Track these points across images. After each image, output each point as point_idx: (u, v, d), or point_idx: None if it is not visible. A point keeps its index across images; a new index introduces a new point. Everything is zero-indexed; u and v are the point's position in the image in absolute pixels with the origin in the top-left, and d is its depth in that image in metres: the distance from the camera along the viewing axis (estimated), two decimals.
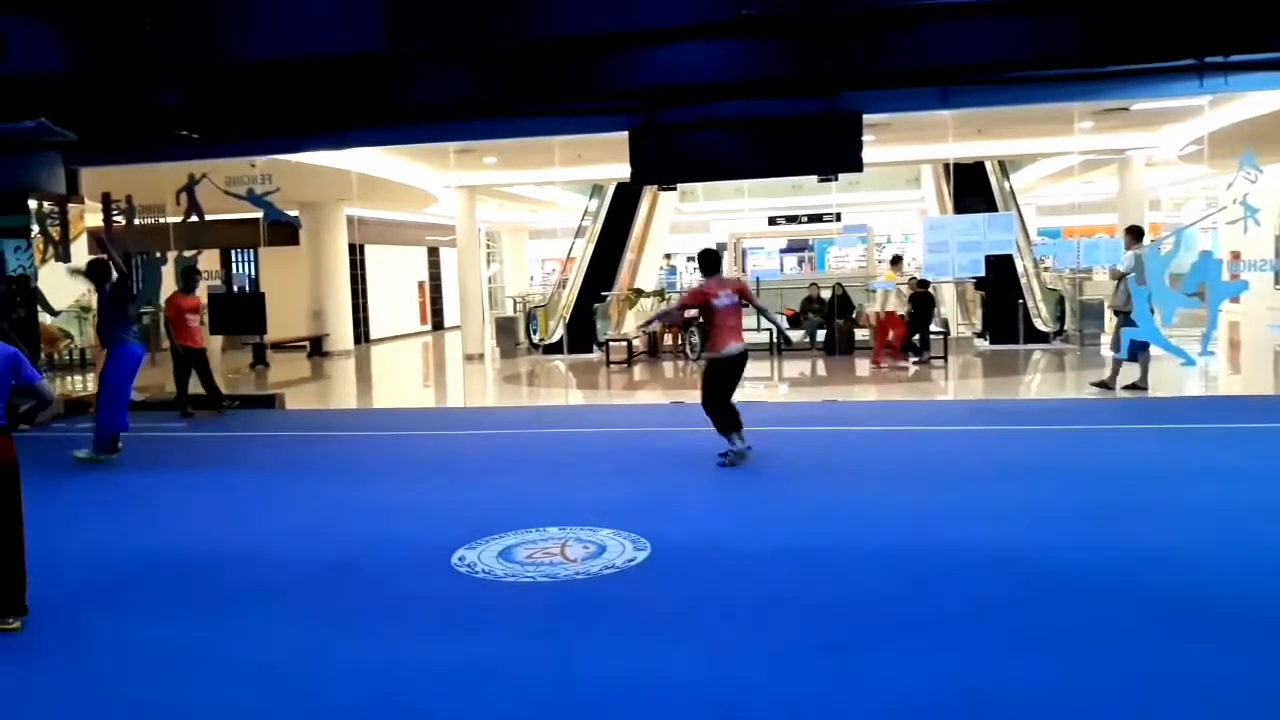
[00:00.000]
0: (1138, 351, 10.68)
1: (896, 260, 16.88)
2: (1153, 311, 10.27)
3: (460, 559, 5.40)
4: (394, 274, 25.19)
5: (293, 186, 13.10)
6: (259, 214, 12.20)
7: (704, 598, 4.77)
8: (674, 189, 15.92)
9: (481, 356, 18.36)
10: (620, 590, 4.89)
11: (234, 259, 21.68)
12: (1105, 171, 19.30)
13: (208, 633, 4.48)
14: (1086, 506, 6.16)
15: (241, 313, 14.46)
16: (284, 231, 13.53)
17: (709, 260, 8.15)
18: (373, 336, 23.31)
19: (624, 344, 16.65)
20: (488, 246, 27.79)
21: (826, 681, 3.80)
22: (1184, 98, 11.04)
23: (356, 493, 7.26)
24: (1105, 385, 11.08)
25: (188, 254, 12.10)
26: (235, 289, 20.87)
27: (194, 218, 12.18)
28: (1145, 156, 17.16)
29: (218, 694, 3.86)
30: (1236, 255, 16.09)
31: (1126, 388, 10.89)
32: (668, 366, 16.34)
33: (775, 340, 16.81)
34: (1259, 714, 3.46)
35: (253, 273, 22.24)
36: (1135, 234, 11.13)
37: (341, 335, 20.03)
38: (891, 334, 15.14)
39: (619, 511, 6.25)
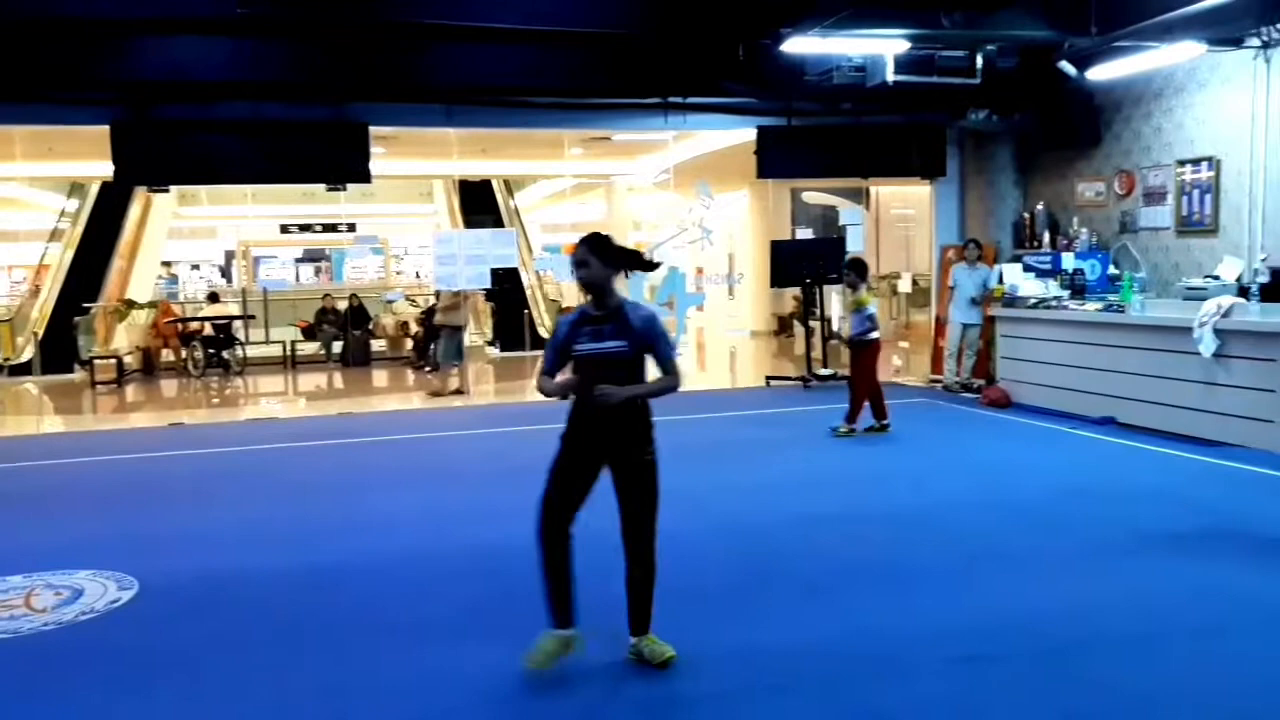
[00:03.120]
0: None
1: None
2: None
3: None
4: None
5: None
6: None
7: (195, 635, 4.47)
8: (167, 191, 14.70)
9: None
10: (94, 637, 4.45)
11: None
12: (595, 194, 21.34)
13: None
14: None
15: None
16: None
17: None
18: None
19: (114, 361, 15.03)
20: None
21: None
22: (653, 131, 12.60)
23: None
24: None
25: None
26: None
27: None
28: (627, 182, 19.28)
29: None
30: (700, 271, 18.68)
31: None
32: (167, 385, 15.05)
33: (289, 353, 16.29)
34: None
35: None
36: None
37: None
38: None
39: (103, 549, 5.68)
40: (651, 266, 4.28)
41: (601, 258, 3.89)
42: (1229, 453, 7.49)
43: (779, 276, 12.71)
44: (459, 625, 4.49)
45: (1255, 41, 8.94)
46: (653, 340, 3.91)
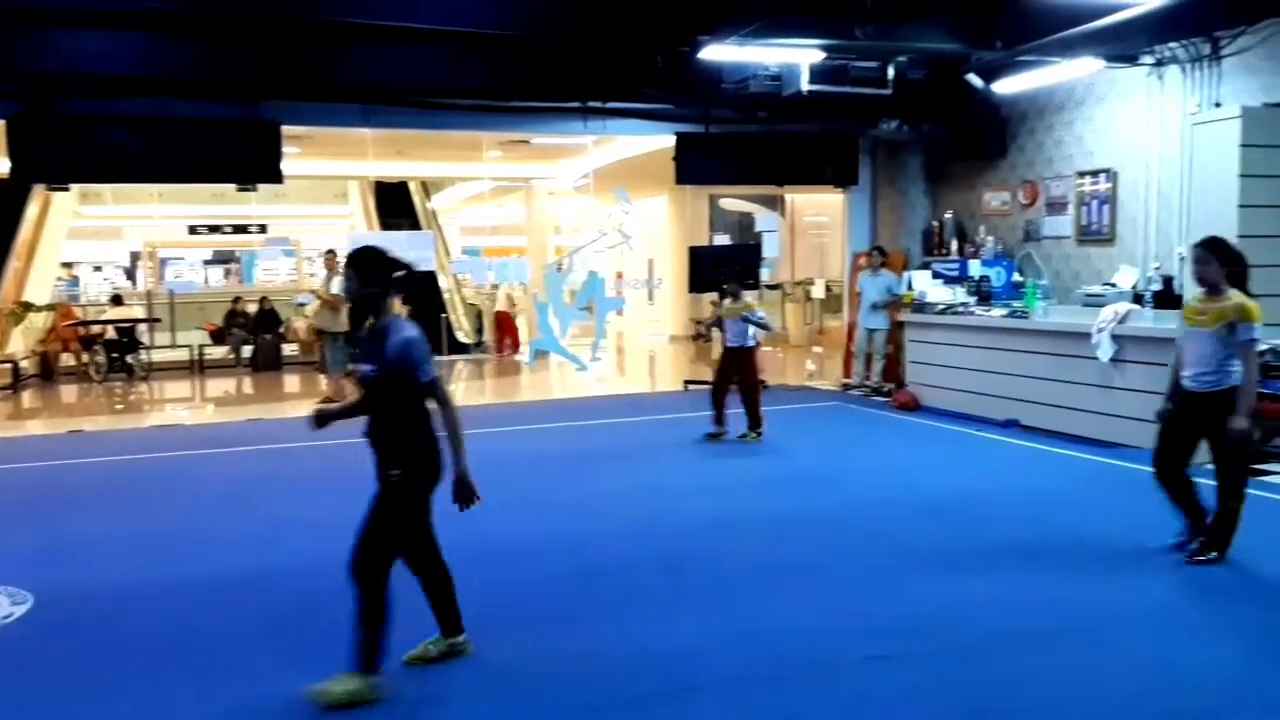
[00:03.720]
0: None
1: None
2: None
3: None
4: None
5: None
6: None
7: (91, 648, 4.35)
8: (68, 189, 14.16)
9: None
10: None
11: None
12: (515, 197, 21.23)
13: None
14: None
15: None
16: None
17: None
18: None
19: (9, 366, 14.42)
20: None
21: None
22: (573, 135, 12.60)
23: None
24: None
25: None
26: None
27: None
28: (547, 186, 19.23)
29: None
30: (620, 275, 18.73)
31: None
32: (67, 391, 14.49)
33: (196, 358, 15.85)
34: None
35: None
36: None
37: None
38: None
39: None
40: (411, 284, 3.88)
41: (361, 274, 3.70)
42: (1124, 454, 7.79)
43: (697, 282, 12.81)
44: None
45: (1149, 59, 9.34)
46: (404, 366, 3.63)
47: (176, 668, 4.09)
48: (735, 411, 8.90)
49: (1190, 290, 8.19)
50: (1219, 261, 5.00)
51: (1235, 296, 4.96)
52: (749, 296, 9.21)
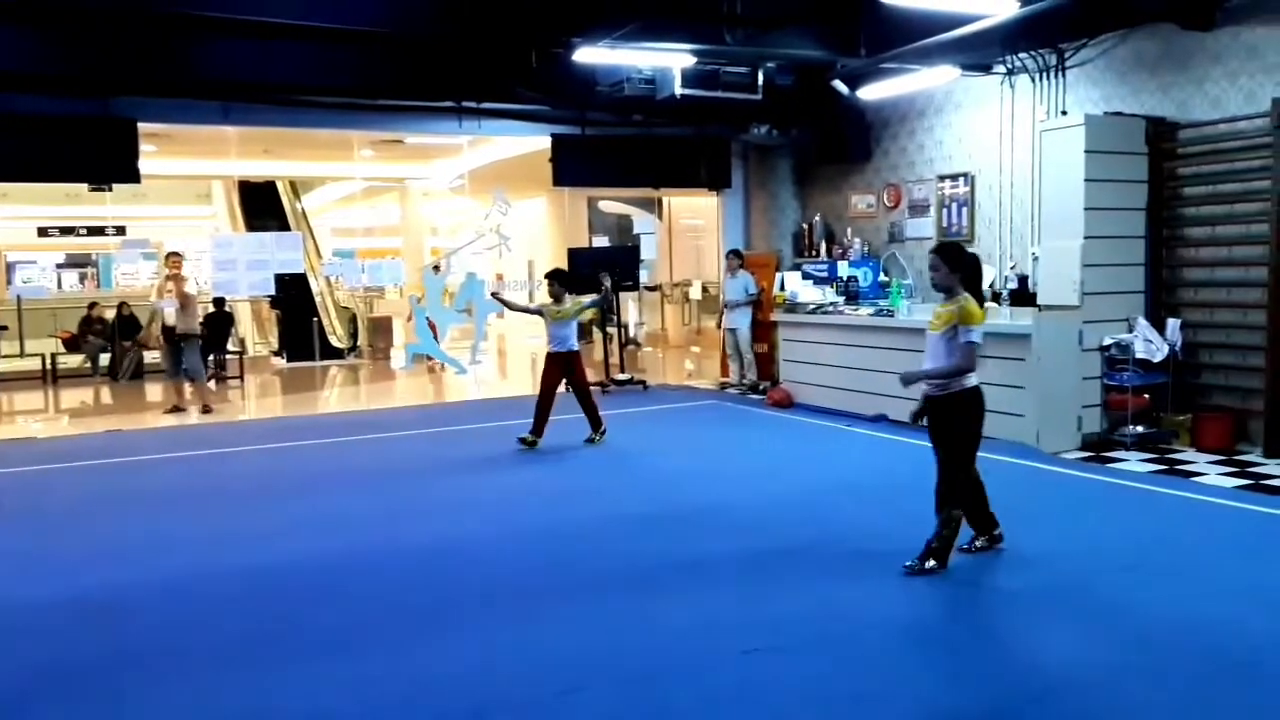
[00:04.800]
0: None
1: None
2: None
3: None
4: None
5: None
6: None
7: None
8: None
9: None
10: None
11: None
12: (389, 198, 20.82)
13: None
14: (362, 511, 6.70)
15: None
16: None
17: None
18: None
19: None
20: None
21: None
22: (448, 135, 12.45)
23: None
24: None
25: None
26: None
27: None
28: (421, 186, 18.92)
29: None
30: (500, 276, 18.58)
31: None
32: None
33: (48, 367, 15.01)
34: None
35: None
36: None
37: None
38: None
39: None
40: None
41: None
42: (986, 445, 8.14)
43: (577, 284, 12.78)
44: (225, 655, 4.27)
45: (1001, 68, 9.82)
46: None
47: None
48: (577, 417, 8.90)
49: (1042, 290, 8.67)
50: (949, 268, 4.99)
51: (961, 300, 4.96)
52: (583, 298, 9.12)
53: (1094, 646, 4.06)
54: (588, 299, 9.27)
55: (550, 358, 8.80)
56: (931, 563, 4.99)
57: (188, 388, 11.93)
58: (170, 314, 11.05)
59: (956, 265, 5.01)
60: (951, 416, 5.08)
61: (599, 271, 12.47)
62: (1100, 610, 4.46)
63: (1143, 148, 8.37)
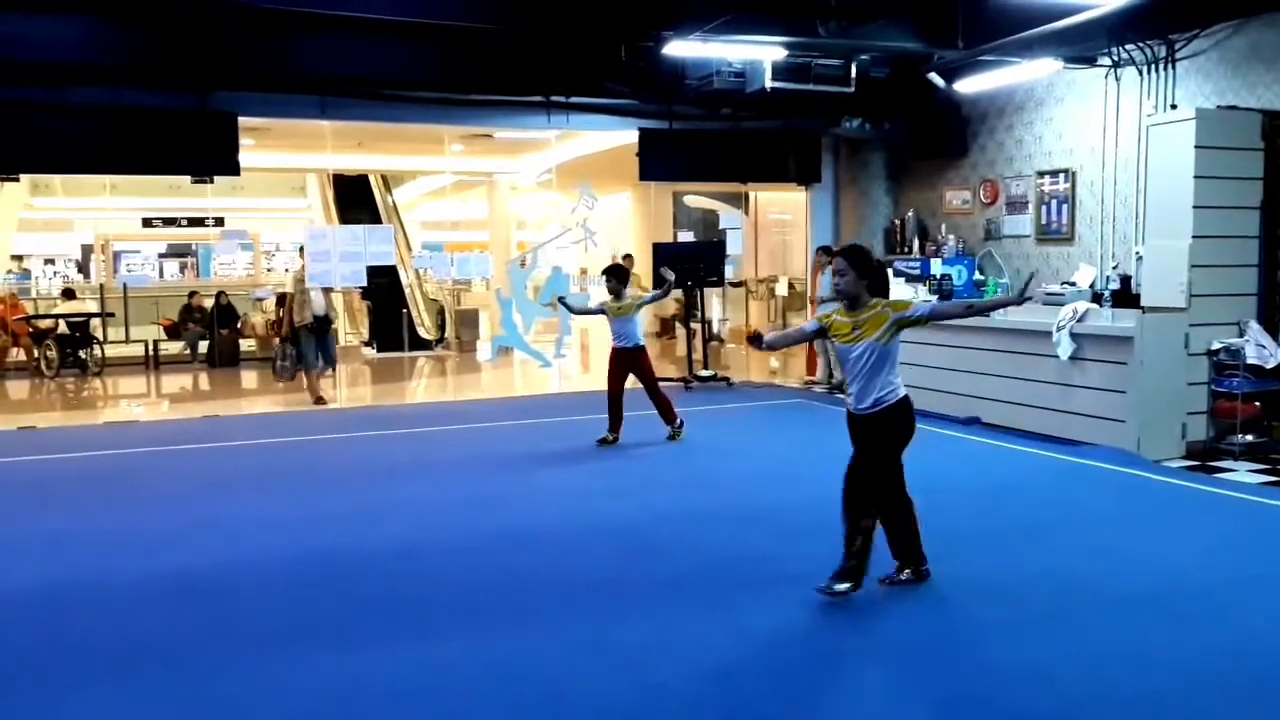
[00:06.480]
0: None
1: None
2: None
3: None
4: None
5: None
6: None
7: (51, 654, 4.24)
8: (17, 179, 13.81)
9: None
10: None
11: None
12: (477, 192, 21.07)
13: None
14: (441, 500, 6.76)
15: None
16: None
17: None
18: None
19: None
20: None
21: None
22: (536, 130, 12.51)
23: None
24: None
25: None
26: None
27: None
28: (509, 180, 19.10)
29: None
30: (584, 272, 18.66)
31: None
32: (16, 387, 14.15)
33: (151, 353, 15.57)
34: None
35: None
36: None
37: None
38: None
39: None
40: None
41: None
42: (1084, 451, 7.87)
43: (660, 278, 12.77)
44: (302, 634, 4.34)
45: (1106, 61, 9.45)
46: None
47: (146, 668, 3.99)
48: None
49: (1146, 291, 8.31)
50: (857, 273, 4.52)
51: (880, 300, 4.56)
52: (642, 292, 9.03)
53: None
54: (649, 294, 9.19)
55: (615, 354, 8.76)
56: (845, 584, 4.51)
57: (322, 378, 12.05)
58: (320, 302, 11.32)
59: (865, 271, 4.54)
60: (883, 431, 4.61)
61: (683, 266, 12.43)
62: (1213, 620, 4.24)
63: (1258, 143, 7.97)
